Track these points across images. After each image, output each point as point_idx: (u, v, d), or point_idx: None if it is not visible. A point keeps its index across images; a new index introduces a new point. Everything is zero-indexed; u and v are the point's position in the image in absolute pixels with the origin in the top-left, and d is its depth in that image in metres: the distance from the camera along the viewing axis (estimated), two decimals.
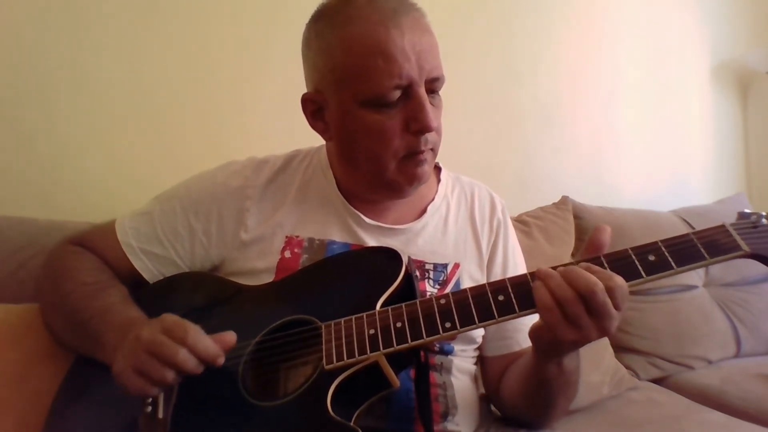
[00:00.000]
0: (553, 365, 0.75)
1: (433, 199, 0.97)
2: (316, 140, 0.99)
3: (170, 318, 0.70)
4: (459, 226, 0.96)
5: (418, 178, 0.85)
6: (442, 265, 0.91)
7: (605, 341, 1.50)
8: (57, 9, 1.29)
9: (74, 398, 0.80)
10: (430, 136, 0.82)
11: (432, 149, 0.85)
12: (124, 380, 0.68)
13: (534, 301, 0.65)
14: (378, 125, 0.80)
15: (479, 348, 0.95)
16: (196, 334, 0.68)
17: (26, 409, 0.84)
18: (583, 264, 0.65)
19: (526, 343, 0.90)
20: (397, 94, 0.78)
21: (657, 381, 1.55)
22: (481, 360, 0.97)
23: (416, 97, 0.79)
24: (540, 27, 1.94)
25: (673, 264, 0.65)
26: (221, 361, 0.69)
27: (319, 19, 0.83)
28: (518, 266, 0.98)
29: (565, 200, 1.70)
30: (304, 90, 0.88)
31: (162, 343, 0.66)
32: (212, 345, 0.68)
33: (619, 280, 0.62)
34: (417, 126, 0.79)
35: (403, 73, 0.76)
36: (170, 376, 0.67)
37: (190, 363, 0.67)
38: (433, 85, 0.81)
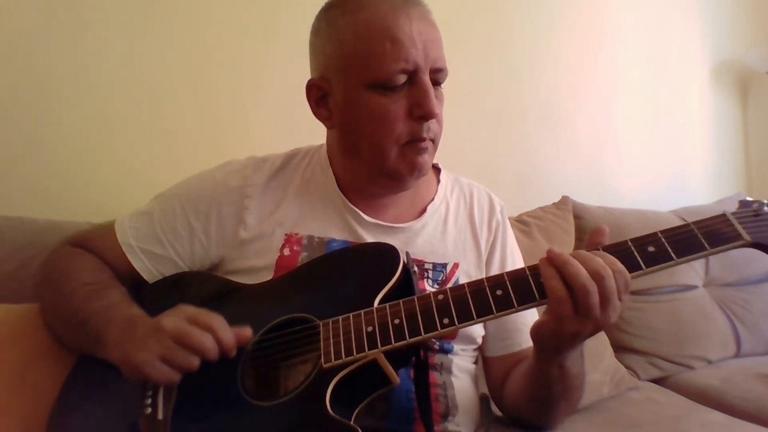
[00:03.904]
0: (554, 367, 0.74)
1: (432, 199, 0.97)
2: (317, 139, 0.99)
3: (191, 308, 0.72)
4: (458, 227, 0.97)
5: (419, 168, 0.85)
6: (441, 264, 0.91)
7: (605, 341, 1.50)
8: (58, 10, 1.29)
9: (77, 398, 0.80)
10: (432, 125, 0.83)
11: (433, 140, 0.85)
12: (149, 370, 0.69)
13: (532, 295, 0.64)
14: (382, 109, 0.81)
15: (481, 349, 0.95)
16: (221, 321, 0.70)
17: (27, 410, 0.84)
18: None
19: (527, 343, 0.90)
20: (403, 78, 0.80)
21: (657, 381, 1.56)
22: (484, 361, 0.97)
23: (421, 84, 0.80)
24: (540, 27, 1.94)
25: (672, 255, 0.63)
26: (234, 352, 0.71)
27: (330, 7, 0.86)
28: (516, 266, 0.98)
29: (565, 200, 1.71)
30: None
31: (190, 331, 0.69)
32: (232, 335, 0.70)
33: (621, 266, 0.62)
34: (420, 112, 0.81)
35: (410, 58, 0.79)
36: (197, 362, 0.69)
37: (215, 350, 0.69)
38: (437, 76, 0.83)
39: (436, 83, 0.84)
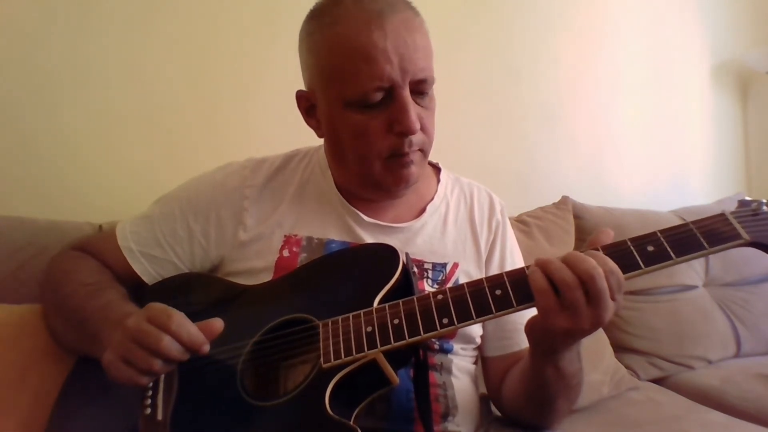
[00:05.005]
0: (550, 367, 0.74)
1: (432, 199, 0.97)
2: (317, 140, 0.99)
3: (156, 306, 0.70)
4: (458, 227, 0.96)
5: (405, 180, 0.85)
6: (440, 264, 0.91)
7: (605, 341, 1.50)
8: (58, 10, 1.29)
9: (77, 399, 0.80)
10: (416, 138, 0.82)
11: (421, 150, 0.84)
12: (113, 371, 0.68)
13: (531, 295, 0.65)
14: (361, 126, 0.80)
15: (479, 348, 0.95)
16: (180, 320, 0.67)
17: (27, 410, 0.84)
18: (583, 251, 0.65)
19: (525, 343, 0.90)
20: (380, 95, 0.78)
21: (657, 381, 1.55)
22: (482, 361, 0.97)
23: (399, 100, 0.78)
24: (540, 27, 1.94)
25: (672, 254, 0.63)
26: (206, 349, 0.68)
27: (311, 18, 0.84)
28: (516, 266, 0.98)
29: (565, 200, 1.70)
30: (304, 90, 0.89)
31: (146, 332, 0.66)
32: (197, 332, 0.68)
33: (613, 265, 0.62)
34: (399, 128, 0.79)
35: (385, 76, 0.76)
36: (157, 364, 0.66)
37: (175, 350, 0.66)
38: (419, 87, 0.80)
39: (421, 93, 0.81)
